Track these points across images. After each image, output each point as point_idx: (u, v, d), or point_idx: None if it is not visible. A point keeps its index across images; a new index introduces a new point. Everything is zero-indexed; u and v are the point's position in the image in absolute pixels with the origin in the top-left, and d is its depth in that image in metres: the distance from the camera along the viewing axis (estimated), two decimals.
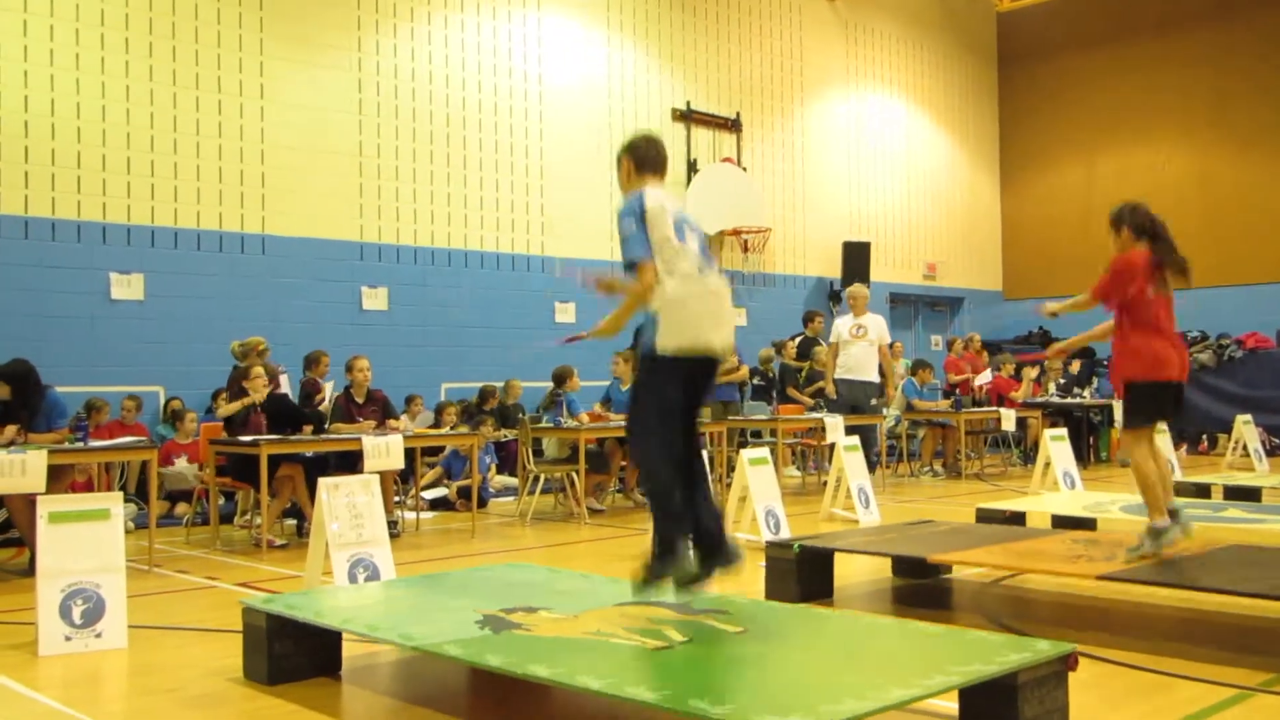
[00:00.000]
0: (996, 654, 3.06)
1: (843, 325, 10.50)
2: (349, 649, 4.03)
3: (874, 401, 10.47)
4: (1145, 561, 4.64)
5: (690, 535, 3.77)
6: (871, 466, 9.16)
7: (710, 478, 4.03)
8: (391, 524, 7.06)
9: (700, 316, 3.72)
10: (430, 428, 9.78)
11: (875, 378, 10.45)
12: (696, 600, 3.81)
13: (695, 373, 3.78)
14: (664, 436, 3.76)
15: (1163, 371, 4.97)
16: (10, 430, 6.52)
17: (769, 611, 3.95)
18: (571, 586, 4.36)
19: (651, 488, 3.84)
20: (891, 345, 11.70)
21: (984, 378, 12.90)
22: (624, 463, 9.33)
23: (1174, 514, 4.99)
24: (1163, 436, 10.04)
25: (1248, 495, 7.86)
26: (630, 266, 3.75)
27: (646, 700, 2.66)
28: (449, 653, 3.25)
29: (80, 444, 6.83)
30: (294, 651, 3.83)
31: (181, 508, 8.21)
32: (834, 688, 2.84)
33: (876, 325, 10.44)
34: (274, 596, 4.32)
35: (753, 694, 2.73)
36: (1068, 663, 3.09)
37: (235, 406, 7.48)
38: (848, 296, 11.06)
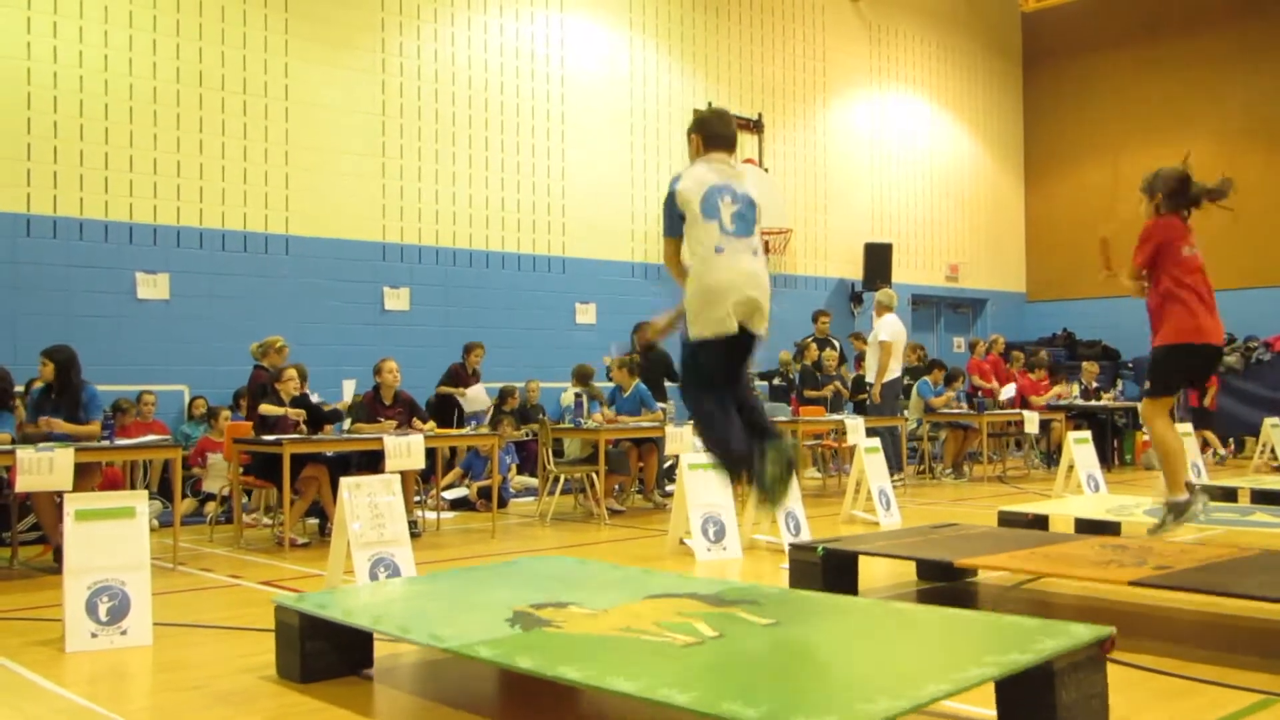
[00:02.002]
0: (1032, 640, 3.02)
1: None
2: (380, 646, 4.04)
3: (877, 402, 10.72)
4: (1169, 537, 4.59)
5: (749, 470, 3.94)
6: (890, 469, 9.15)
7: (763, 410, 4.17)
8: (411, 524, 7.08)
9: (717, 304, 3.84)
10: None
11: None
12: (727, 591, 3.91)
13: (730, 346, 3.91)
14: (712, 400, 3.94)
15: (1190, 336, 4.93)
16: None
17: (799, 601, 3.93)
18: (601, 577, 4.35)
19: (706, 438, 4.08)
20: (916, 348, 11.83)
21: (1008, 392, 12.53)
22: (641, 464, 9.34)
23: (1191, 488, 4.95)
24: (1190, 440, 9.98)
25: (1276, 499, 7.75)
26: None
27: (678, 703, 2.65)
28: (480, 654, 3.25)
29: (107, 442, 6.87)
30: (326, 649, 3.84)
31: (210, 506, 8.27)
32: (868, 684, 2.82)
33: (877, 327, 10.80)
34: (303, 595, 4.33)
35: (786, 694, 2.71)
36: (1104, 647, 3.05)
37: (279, 411, 7.53)
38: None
